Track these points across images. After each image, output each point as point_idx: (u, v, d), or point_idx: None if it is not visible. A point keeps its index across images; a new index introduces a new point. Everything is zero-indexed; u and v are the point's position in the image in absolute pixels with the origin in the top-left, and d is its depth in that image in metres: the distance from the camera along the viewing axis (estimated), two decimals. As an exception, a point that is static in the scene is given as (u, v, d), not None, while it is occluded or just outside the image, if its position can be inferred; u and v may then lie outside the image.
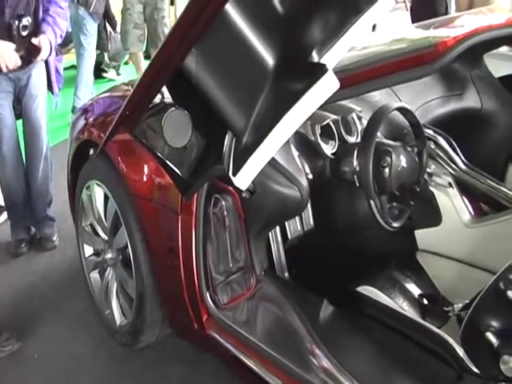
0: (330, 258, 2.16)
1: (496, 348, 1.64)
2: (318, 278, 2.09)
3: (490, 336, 1.66)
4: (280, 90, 1.48)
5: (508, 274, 1.60)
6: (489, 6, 3.38)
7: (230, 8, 1.35)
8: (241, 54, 1.45)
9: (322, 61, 1.45)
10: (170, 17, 5.61)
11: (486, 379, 1.72)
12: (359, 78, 1.90)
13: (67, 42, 5.39)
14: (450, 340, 1.77)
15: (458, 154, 2.29)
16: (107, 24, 6.16)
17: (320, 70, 1.38)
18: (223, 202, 1.90)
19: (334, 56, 1.45)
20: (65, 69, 3.90)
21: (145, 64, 5.42)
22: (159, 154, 1.67)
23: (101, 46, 6.11)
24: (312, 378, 1.71)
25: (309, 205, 2.13)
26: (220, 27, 1.37)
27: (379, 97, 2.30)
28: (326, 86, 1.38)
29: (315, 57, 1.45)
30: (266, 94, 1.48)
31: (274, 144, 1.47)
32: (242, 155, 1.51)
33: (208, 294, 1.92)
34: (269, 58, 1.46)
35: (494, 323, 1.67)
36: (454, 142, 2.31)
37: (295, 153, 1.95)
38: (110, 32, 6.26)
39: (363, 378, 1.71)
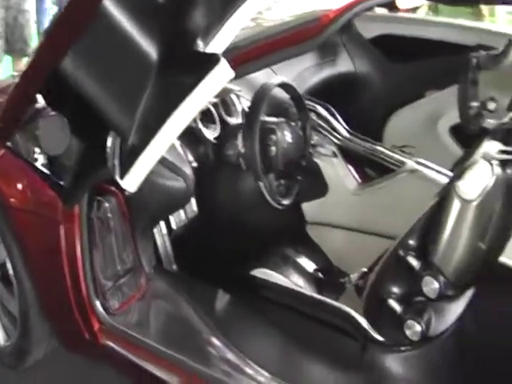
0: (218, 244, 2.22)
1: (399, 314, 1.79)
2: (209, 265, 2.12)
3: (393, 303, 1.79)
4: (167, 84, 1.50)
5: (407, 241, 1.72)
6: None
7: (107, 3, 1.35)
8: (121, 51, 1.46)
9: (209, 48, 1.44)
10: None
11: (392, 346, 1.82)
12: (245, 57, 1.95)
13: None
14: (351, 311, 1.88)
15: (339, 121, 2.43)
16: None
17: (212, 59, 1.41)
18: (106, 204, 1.90)
19: (221, 42, 1.47)
20: None
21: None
22: (37, 164, 1.61)
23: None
24: (213, 371, 1.79)
25: None
26: (98, 24, 1.37)
27: (256, 72, 2.33)
28: (220, 76, 1.42)
29: (201, 45, 1.46)
30: (151, 90, 1.49)
31: (165, 141, 1.51)
32: (130, 156, 1.53)
33: (98, 302, 1.94)
34: (152, 52, 1.47)
35: (396, 290, 1.81)
36: (333, 110, 2.41)
37: (177, 142, 1.95)
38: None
39: (266, 363, 1.81)
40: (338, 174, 2.40)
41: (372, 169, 2.47)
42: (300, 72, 2.75)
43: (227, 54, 1.75)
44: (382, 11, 3.20)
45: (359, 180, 2.41)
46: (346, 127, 2.44)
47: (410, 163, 2.29)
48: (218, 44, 1.53)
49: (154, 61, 1.48)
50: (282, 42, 2.03)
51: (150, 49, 1.47)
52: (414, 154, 2.61)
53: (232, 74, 1.43)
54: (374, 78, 3.03)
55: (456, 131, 2.74)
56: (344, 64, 2.99)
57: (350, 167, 2.42)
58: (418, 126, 2.88)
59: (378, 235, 2.25)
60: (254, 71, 2.14)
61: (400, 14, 3.27)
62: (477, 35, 2.80)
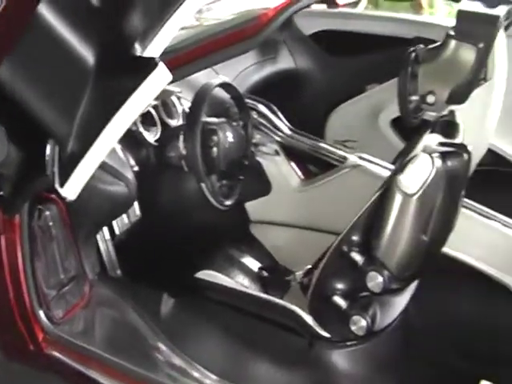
0: (162, 247, 2.22)
1: (345, 310, 1.83)
2: (153, 269, 2.11)
3: (338, 299, 1.83)
4: (106, 89, 1.51)
5: (350, 236, 1.76)
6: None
7: (42, 9, 1.35)
8: (58, 57, 1.45)
9: (147, 51, 1.44)
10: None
11: (338, 342, 1.85)
12: (185, 59, 1.96)
13: None
14: (296, 309, 1.91)
15: (280, 119, 2.46)
16: None
17: (149, 63, 1.41)
18: (47, 213, 1.87)
19: (159, 45, 1.47)
20: None
21: None
22: None
23: None
24: (161, 377, 1.78)
25: None
26: (33, 30, 1.37)
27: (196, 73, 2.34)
28: (158, 80, 1.42)
29: (138, 49, 1.46)
30: (90, 96, 1.49)
31: (104, 147, 1.52)
32: (69, 164, 1.52)
33: (41, 312, 1.90)
34: (89, 57, 1.47)
35: (341, 286, 1.85)
36: (275, 108, 2.43)
37: (117, 146, 1.94)
38: None
39: (213, 366, 1.82)
40: (281, 171, 2.43)
41: (315, 165, 2.51)
42: (241, 71, 2.78)
43: (166, 56, 1.76)
44: (321, 7, 3.22)
45: (302, 177, 2.43)
46: (288, 124, 2.47)
47: (352, 158, 2.33)
48: (156, 47, 1.52)
49: (91, 66, 1.47)
50: (221, 42, 2.04)
51: (87, 54, 1.46)
52: (356, 148, 2.66)
53: (170, 77, 1.44)
54: (314, 73, 3.08)
55: (397, 124, 2.80)
56: (285, 61, 3.03)
57: (293, 164, 2.44)
58: (359, 121, 2.94)
59: (322, 231, 2.28)
60: (195, 72, 2.14)
61: (339, 10, 3.31)
62: (415, 28, 2.86)
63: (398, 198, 1.65)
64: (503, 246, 2.13)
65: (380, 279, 1.72)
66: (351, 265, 1.78)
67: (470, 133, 2.41)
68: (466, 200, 2.17)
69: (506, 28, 2.78)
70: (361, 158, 2.33)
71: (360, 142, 2.90)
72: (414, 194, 1.61)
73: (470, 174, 2.71)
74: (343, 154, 2.37)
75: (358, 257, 1.77)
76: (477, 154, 2.61)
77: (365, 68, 2.97)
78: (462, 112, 2.29)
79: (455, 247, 2.11)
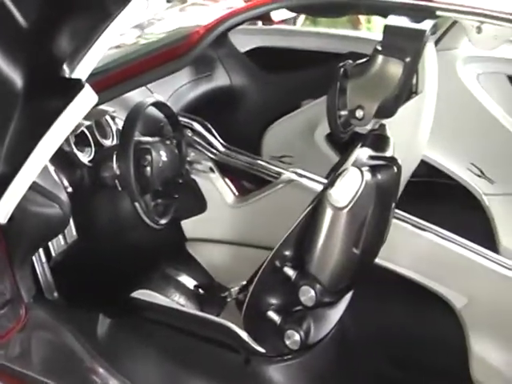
0: (99, 268, 2.20)
1: (279, 325, 1.88)
2: (90, 290, 2.10)
3: (272, 314, 1.88)
4: (34, 111, 1.53)
5: (282, 251, 1.81)
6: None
7: None
8: None
9: (76, 73, 1.46)
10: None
11: (274, 357, 1.88)
12: (114, 80, 1.98)
13: None
14: (232, 325, 1.96)
15: (215, 137, 2.51)
16: None
17: (75, 85, 1.44)
18: None
19: (87, 66, 1.50)
20: None
21: None
22: None
23: None
24: None
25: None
26: None
27: (130, 92, 2.36)
28: (84, 102, 1.45)
29: (67, 70, 1.49)
30: (18, 117, 1.50)
31: (34, 169, 1.54)
32: None
33: None
34: (17, 79, 1.48)
35: (275, 301, 1.89)
36: (210, 126, 2.50)
37: (51, 168, 1.94)
38: None
39: None
40: (216, 188, 2.46)
41: (250, 182, 2.55)
42: (176, 89, 2.82)
43: (97, 77, 1.78)
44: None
45: (237, 193, 2.47)
46: (222, 142, 2.51)
47: (287, 174, 2.37)
48: (84, 68, 1.55)
49: (20, 88, 1.48)
50: (152, 61, 2.07)
51: (15, 76, 1.47)
52: (293, 163, 2.72)
53: (96, 98, 1.48)
54: (250, 90, 3.14)
55: (333, 139, 2.87)
56: (220, 79, 3.09)
57: (228, 181, 2.47)
58: (295, 136, 3.01)
59: (257, 247, 2.31)
60: (126, 92, 2.16)
61: (274, 26, 3.40)
62: (350, 43, 2.95)
63: (328, 212, 1.70)
64: (436, 255, 2.20)
65: (312, 293, 1.77)
66: (284, 280, 1.82)
67: (402, 145, 2.49)
68: (398, 211, 2.25)
69: (437, 43, 2.90)
70: (295, 173, 2.39)
71: (296, 157, 2.97)
72: (344, 208, 1.67)
73: (404, 186, 2.82)
74: (277, 169, 2.42)
75: (290, 271, 1.82)
76: (410, 166, 2.72)
77: (300, 84, 3.04)
78: (393, 125, 2.37)
79: (389, 258, 2.18)
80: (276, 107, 3.10)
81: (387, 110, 2.12)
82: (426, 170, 3.02)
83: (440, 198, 2.91)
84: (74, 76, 1.49)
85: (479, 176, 2.95)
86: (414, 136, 2.54)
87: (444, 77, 2.71)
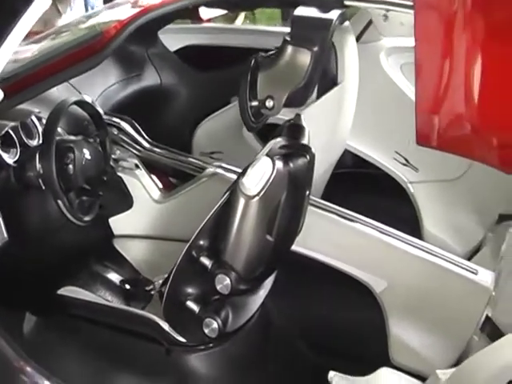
0: (30, 269, 2.21)
1: (198, 314, 1.92)
2: (20, 291, 2.11)
3: (191, 304, 1.92)
4: None
5: (197, 241, 1.84)
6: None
7: None
8: None
9: None
10: None
11: (194, 346, 1.92)
12: (31, 80, 1.98)
13: None
14: (154, 317, 2.00)
15: (141, 134, 2.55)
16: None
17: None
18: None
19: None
20: None
21: None
22: None
23: None
24: None
25: (0, 218, 2.13)
26: None
27: (57, 93, 2.38)
28: None
29: None
30: None
31: None
32: None
33: None
34: None
35: (193, 291, 1.94)
36: (136, 124, 2.54)
37: None
38: None
39: (79, 382, 1.82)
40: (142, 185, 2.48)
41: (176, 177, 2.58)
42: (105, 89, 2.84)
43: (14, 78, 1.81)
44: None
45: (163, 189, 2.50)
46: (148, 139, 2.54)
47: (210, 168, 2.41)
48: None
49: None
50: (65, 60, 2.08)
51: None
52: (223, 159, 2.75)
53: (1, 94, 1.48)
54: (180, 89, 3.19)
55: (260, 133, 2.91)
56: (150, 78, 3.13)
57: (154, 177, 2.50)
58: (225, 132, 3.05)
59: (183, 241, 2.34)
60: (41, 93, 2.16)
61: (203, 25, 3.43)
62: (277, 39, 2.99)
63: (240, 201, 1.74)
64: (356, 242, 2.26)
65: (228, 281, 1.81)
66: (201, 269, 1.86)
67: (323, 135, 2.56)
68: (318, 199, 2.31)
69: (360, 35, 2.99)
70: (219, 166, 2.43)
71: (226, 153, 3.01)
72: (256, 196, 1.71)
73: (329, 176, 2.88)
74: (201, 164, 2.46)
75: (206, 261, 1.85)
76: (333, 156, 2.78)
77: (229, 80, 3.05)
78: (314, 115, 2.43)
79: (309, 246, 2.23)
80: (206, 104, 3.13)
81: (297, 99, 2.18)
82: (353, 160, 3.11)
83: (367, 187, 2.98)
84: None
85: (404, 165, 3.04)
86: (336, 126, 2.60)
87: (368, 68, 2.79)
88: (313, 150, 1.90)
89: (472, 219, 2.83)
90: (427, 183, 2.98)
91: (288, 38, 2.22)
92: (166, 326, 1.97)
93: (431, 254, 2.19)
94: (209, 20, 3.45)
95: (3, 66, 1.61)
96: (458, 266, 2.16)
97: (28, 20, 1.57)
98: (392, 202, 2.92)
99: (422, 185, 2.99)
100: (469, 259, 2.48)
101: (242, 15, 5.81)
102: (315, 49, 2.17)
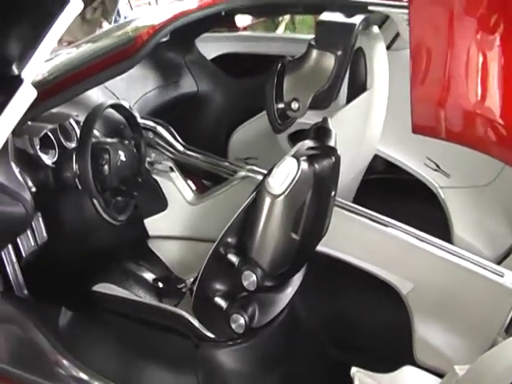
0: (68, 267, 2.31)
1: (225, 310, 1.98)
2: (58, 288, 2.22)
3: (219, 300, 1.99)
4: None
5: (225, 239, 1.92)
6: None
7: None
8: None
9: (24, 72, 1.56)
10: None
11: (222, 341, 1.98)
12: (66, 83, 2.07)
13: None
14: (185, 313, 2.07)
15: (176, 138, 2.62)
16: None
17: (15, 82, 1.53)
18: None
19: (34, 65, 1.58)
20: None
21: None
22: None
23: None
24: None
25: (40, 218, 2.22)
26: None
27: (96, 97, 2.48)
28: (24, 97, 1.54)
29: (16, 71, 1.58)
30: None
31: None
32: None
33: None
34: None
35: (220, 287, 2.00)
36: (172, 129, 2.63)
37: (16, 169, 2.05)
38: None
39: (112, 374, 1.93)
40: (176, 187, 2.56)
41: (209, 180, 2.66)
42: (143, 95, 2.93)
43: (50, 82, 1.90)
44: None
45: (196, 191, 2.57)
46: (182, 142, 2.62)
47: (242, 171, 2.48)
48: (32, 67, 1.64)
49: None
50: (99, 65, 2.17)
51: None
52: (257, 164, 2.82)
53: (35, 93, 1.57)
54: (216, 96, 3.28)
55: (294, 138, 2.97)
56: (187, 85, 3.22)
57: (188, 180, 2.58)
58: (259, 138, 3.12)
59: (215, 242, 2.41)
60: (74, 96, 2.24)
61: (239, 33, 3.52)
62: None
63: (266, 200, 1.80)
64: (383, 244, 2.29)
65: (254, 278, 1.87)
66: (228, 266, 1.92)
67: (353, 140, 2.60)
68: (347, 202, 2.35)
69: (392, 43, 3.02)
70: (250, 170, 2.50)
71: (260, 158, 3.07)
72: (281, 195, 1.77)
73: (360, 181, 2.92)
74: (233, 166, 2.53)
75: (234, 258, 1.92)
76: (362, 160, 2.81)
77: (264, 88, 3.15)
78: (343, 121, 2.48)
79: (338, 247, 2.28)
80: (241, 111, 3.22)
81: (321, 101, 2.24)
82: (384, 166, 3.14)
83: (397, 193, 3.01)
84: (23, 75, 1.61)
85: (435, 170, 3.06)
86: (365, 131, 2.64)
87: (400, 75, 2.83)
88: (338, 151, 1.95)
89: (502, 224, 2.84)
90: (458, 189, 3.00)
91: (313, 43, 2.29)
92: (195, 321, 2.03)
93: (457, 256, 2.21)
94: (245, 28, 3.54)
95: (40, 67, 1.70)
96: (484, 268, 2.18)
97: (62, 23, 1.65)
98: (422, 207, 2.94)
99: (452, 190, 3.00)
100: (498, 264, 2.48)
101: (282, 25, 5.91)
102: (339, 52, 2.24)
